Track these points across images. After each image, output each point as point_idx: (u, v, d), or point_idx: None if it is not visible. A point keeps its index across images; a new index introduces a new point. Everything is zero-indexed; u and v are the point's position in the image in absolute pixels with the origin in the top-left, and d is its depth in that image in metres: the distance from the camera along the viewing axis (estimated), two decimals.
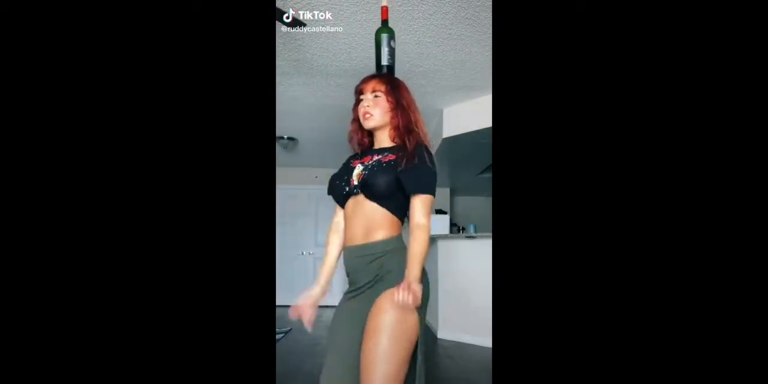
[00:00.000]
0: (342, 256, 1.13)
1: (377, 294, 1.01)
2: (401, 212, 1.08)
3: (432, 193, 1.05)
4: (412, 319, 0.97)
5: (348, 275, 1.11)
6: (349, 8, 2.24)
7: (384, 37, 1.24)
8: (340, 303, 1.11)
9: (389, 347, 0.94)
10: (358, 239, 1.07)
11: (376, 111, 1.11)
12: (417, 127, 1.11)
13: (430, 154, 1.07)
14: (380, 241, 1.05)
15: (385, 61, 1.24)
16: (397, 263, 1.02)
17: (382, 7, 1.29)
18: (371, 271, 1.04)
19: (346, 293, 1.11)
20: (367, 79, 1.15)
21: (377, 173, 1.05)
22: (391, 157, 1.08)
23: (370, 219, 1.06)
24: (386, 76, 1.16)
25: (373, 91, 1.12)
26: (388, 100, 1.11)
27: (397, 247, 1.06)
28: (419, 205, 1.03)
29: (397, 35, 2.56)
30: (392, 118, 1.11)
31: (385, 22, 1.28)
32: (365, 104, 1.12)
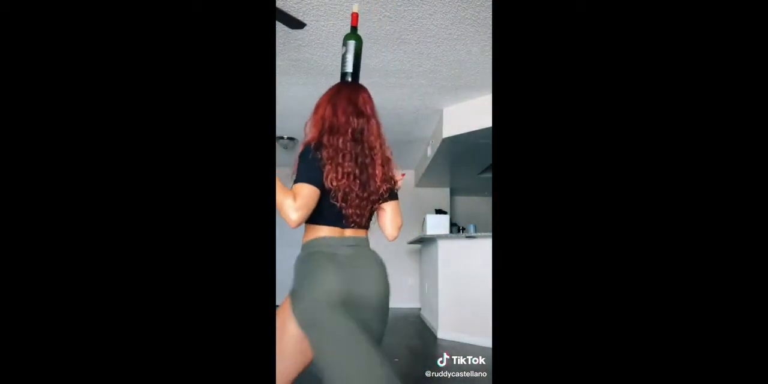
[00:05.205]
0: None
1: None
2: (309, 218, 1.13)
3: (297, 181, 1.08)
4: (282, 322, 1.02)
5: None
6: (349, 8, 2.24)
7: (350, 43, 1.23)
8: None
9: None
10: None
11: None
12: (307, 126, 1.16)
13: (304, 151, 1.08)
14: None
15: (347, 69, 1.26)
16: (295, 269, 1.14)
17: (353, 14, 1.27)
18: None
19: None
20: None
21: None
22: None
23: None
24: None
25: None
26: None
27: (303, 252, 1.17)
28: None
29: (396, 34, 2.58)
30: None
31: (354, 28, 1.26)
32: None
